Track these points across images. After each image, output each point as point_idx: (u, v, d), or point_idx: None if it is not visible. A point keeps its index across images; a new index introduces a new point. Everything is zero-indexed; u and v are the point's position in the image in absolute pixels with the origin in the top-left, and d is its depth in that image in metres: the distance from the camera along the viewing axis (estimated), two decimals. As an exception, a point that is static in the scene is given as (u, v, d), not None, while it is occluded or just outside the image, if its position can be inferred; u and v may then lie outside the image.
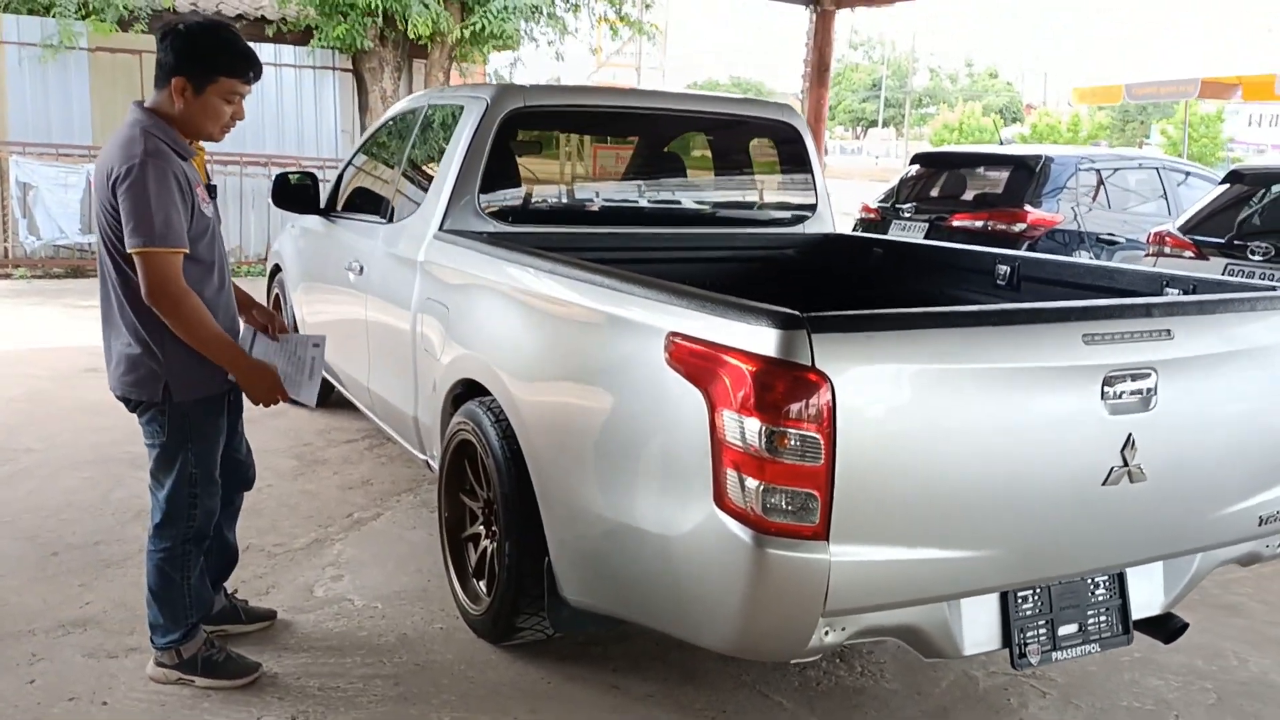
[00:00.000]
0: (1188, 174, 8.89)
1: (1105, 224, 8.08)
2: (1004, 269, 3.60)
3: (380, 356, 4.03)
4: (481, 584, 3.12)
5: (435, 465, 3.58)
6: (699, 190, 4.56)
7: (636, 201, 4.43)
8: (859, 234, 4.99)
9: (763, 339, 2.05)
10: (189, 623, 2.78)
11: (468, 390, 3.17)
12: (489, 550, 3.06)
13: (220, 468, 2.82)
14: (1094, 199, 8.26)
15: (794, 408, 2.00)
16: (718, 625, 2.18)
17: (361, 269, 4.14)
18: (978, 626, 2.33)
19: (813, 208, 4.35)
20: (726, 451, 2.07)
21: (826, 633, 2.15)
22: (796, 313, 2.06)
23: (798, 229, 4.34)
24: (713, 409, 2.09)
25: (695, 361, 2.17)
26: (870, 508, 2.10)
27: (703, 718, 2.75)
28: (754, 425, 2.02)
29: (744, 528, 2.05)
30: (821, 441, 2.01)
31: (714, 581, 2.15)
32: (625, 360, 2.44)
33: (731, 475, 2.07)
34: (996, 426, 2.21)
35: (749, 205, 4.57)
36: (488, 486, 3.03)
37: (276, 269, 5.66)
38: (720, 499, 2.09)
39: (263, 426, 5.29)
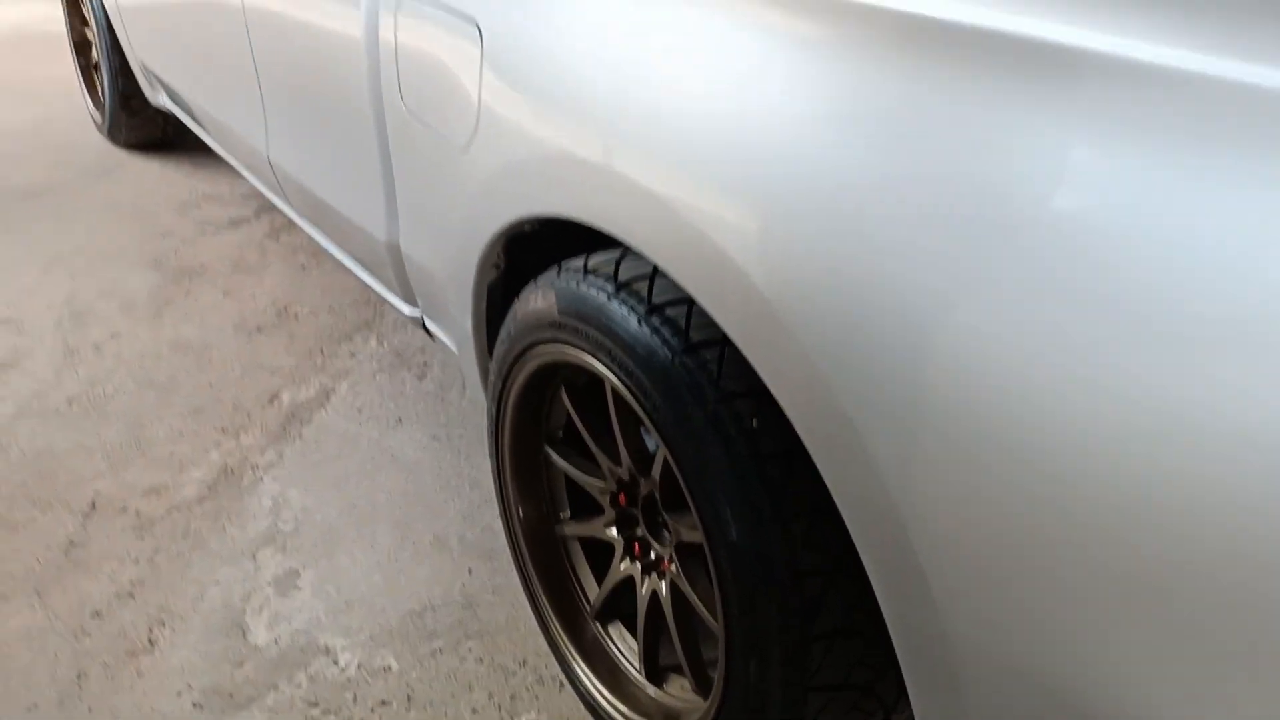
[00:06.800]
0: None
1: None
2: None
3: (291, 104, 2.04)
4: (624, 643, 1.45)
5: (441, 334, 1.77)
6: None
7: None
8: None
9: None
10: None
11: (543, 233, 1.32)
12: (647, 592, 1.37)
13: None
14: None
15: None
16: None
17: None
18: None
19: None
20: None
21: None
22: None
23: None
24: None
25: None
26: None
27: None
28: None
29: None
30: None
31: None
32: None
33: None
34: None
35: None
36: (631, 457, 1.29)
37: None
38: None
39: (81, 197, 3.27)
